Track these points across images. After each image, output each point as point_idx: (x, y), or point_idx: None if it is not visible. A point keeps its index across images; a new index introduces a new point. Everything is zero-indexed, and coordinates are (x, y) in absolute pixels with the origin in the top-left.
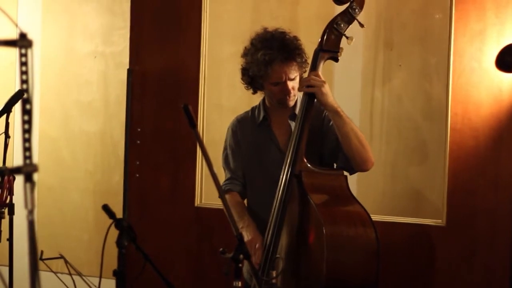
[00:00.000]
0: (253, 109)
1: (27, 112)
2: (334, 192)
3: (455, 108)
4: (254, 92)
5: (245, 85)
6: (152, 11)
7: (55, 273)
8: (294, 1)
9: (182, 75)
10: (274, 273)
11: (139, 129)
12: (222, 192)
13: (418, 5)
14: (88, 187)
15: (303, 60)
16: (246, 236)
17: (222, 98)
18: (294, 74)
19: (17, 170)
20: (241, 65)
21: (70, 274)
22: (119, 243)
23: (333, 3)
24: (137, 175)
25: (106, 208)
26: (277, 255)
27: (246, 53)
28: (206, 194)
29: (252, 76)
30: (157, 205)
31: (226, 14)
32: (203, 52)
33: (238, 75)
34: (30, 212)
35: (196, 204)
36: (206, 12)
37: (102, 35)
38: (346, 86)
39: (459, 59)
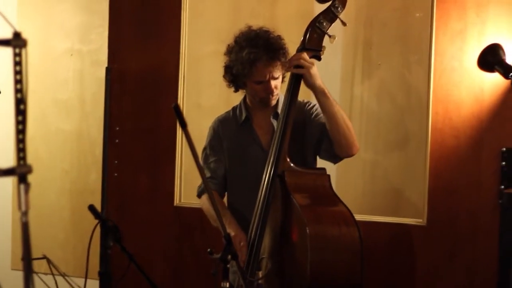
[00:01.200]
0: (234, 108)
1: (21, 113)
2: (317, 192)
3: (436, 108)
4: (236, 91)
5: (227, 83)
6: (131, 9)
7: (36, 273)
8: (273, 0)
9: (161, 74)
10: (260, 274)
11: (117, 128)
12: (211, 193)
13: (399, 3)
14: (64, 186)
15: (287, 59)
16: (232, 233)
17: (201, 97)
18: (278, 73)
19: (11, 171)
20: (224, 62)
21: (52, 274)
22: (104, 243)
23: (312, 1)
24: (116, 174)
25: (92, 208)
26: (263, 256)
27: (230, 51)
28: (185, 194)
29: (236, 74)
30: (136, 205)
31: (205, 13)
32: (183, 51)
33: (217, 73)
34: (24, 214)
35: (175, 204)
36: (186, 10)
37: (79, 33)
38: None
39: (440, 59)
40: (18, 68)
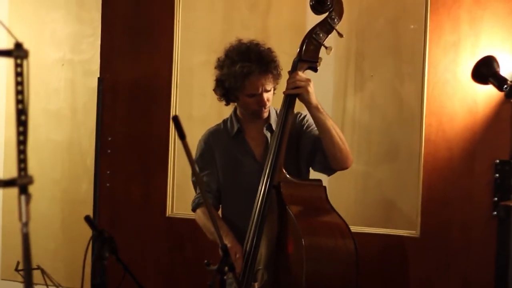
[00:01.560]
0: (224, 121)
1: (22, 123)
2: (313, 204)
3: (430, 120)
4: (227, 104)
5: (219, 97)
6: (123, 19)
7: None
8: (265, 11)
9: (154, 84)
10: (256, 285)
11: (110, 138)
12: (209, 203)
13: (392, 15)
14: (55, 196)
15: (278, 72)
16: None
17: (192, 108)
18: (270, 86)
19: (12, 182)
20: (216, 76)
21: (46, 285)
22: (100, 254)
23: (304, 12)
24: (108, 185)
25: (88, 219)
26: (259, 267)
27: (221, 65)
28: (177, 204)
29: (228, 88)
30: (128, 215)
31: (197, 23)
32: (175, 61)
33: (208, 84)
34: (25, 225)
35: (167, 214)
36: (179, 21)
37: (70, 42)
38: (317, 97)
39: (433, 71)
40: (19, 79)
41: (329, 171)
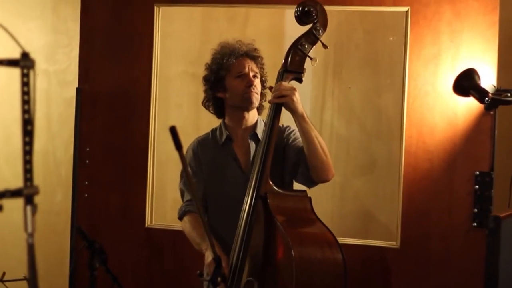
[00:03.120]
0: (213, 131)
1: (28, 134)
2: (299, 214)
3: (410, 131)
4: (218, 114)
5: (206, 102)
6: (102, 29)
7: None
8: (243, 23)
9: (133, 95)
10: None
11: (88, 149)
12: (202, 212)
13: (371, 26)
14: None
15: (263, 63)
16: (211, 256)
17: (169, 118)
18: (255, 70)
19: (18, 193)
20: (203, 76)
21: None
22: (90, 265)
23: (282, 23)
24: (86, 195)
25: (79, 230)
26: (249, 278)
27: (206, 68)
28: (156, 215)
29: (216, 71)
30: (107, 226)
31: (175, 34)
32: (155, 72)
33: (185, 94)
34: (30, 235)
35: (146, 225)
36: (158, 31)
37: (45, 52)
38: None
39: (413, 83)
40: (25, 88)
41: (310, 183)
